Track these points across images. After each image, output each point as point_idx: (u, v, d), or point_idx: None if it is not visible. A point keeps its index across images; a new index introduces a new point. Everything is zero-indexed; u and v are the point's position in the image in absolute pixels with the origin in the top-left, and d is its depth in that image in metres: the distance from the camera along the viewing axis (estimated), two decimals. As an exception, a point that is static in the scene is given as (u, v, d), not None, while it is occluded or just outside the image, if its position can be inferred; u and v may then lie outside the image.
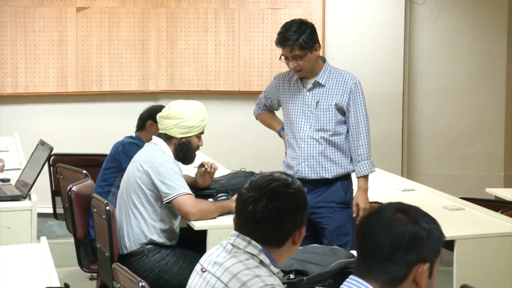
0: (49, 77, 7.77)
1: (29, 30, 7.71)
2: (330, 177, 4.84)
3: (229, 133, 8.13)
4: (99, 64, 7.88)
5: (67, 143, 7.33)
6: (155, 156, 4.54)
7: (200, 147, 4.71)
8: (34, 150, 5.13)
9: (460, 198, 5.32)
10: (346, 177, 4.92)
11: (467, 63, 8.21)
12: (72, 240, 5.08)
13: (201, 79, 8.03)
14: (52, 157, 5.99)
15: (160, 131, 4.67)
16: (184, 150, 4.64)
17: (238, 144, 8.12)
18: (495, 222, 4.71)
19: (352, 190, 4.92)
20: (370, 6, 8.07)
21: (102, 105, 7.96)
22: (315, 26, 4.95)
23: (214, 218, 4.53)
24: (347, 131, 4.84)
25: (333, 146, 4.83)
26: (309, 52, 4.76)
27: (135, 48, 7.94)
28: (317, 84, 4.84)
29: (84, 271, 5.09)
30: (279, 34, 4.82)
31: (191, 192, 4.49)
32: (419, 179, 7.37)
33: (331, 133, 4.81)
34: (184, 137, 4.61)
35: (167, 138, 4.62)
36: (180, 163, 4.68)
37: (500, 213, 4.89)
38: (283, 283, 2.87)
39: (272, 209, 2.53)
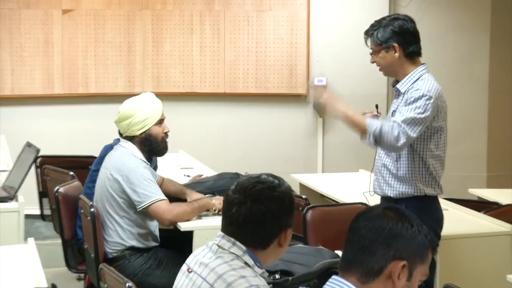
0: (35, 79, 7.78)
1: (15, 32, 7.72)
2: (392, 195, 4.19)
3: (215, 134, 8.16)
4: (85, 66, 7.89)
5: (54, 145, 7.33)
6: (124, 163, 4.49)
7: (167, 133, 4.65)
8: (21, 152, 5.12)
9: (443, 198, 5.35)
10: (418, 199, 4.17)
11: (450, 64, 8.27)
12: (59, 241, 5.09)
13: (186, 81, 8.05)
14: (39, 159, 5.98)
15: (122, 136, 4.65)
16: (148, 144, 4.59)
17: (223, 146, 8.15)
18: (478, 222, 4.77)
19: (430, 213, 4.16)
20: (354, 8, 8.11)
21: (88, 107, 7.97)
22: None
23: (200, 218, 4.53)
24: (423, 149, 4.17)
25: (400, 161, 4.20)
26: (384, 50, 4.23)
27: (121, 50, 7.96)
28: (398, 92, 4.29)
29: (72, 271, 5.11)
30: None
31: (164, 198, 4.44)
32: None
33: None
34: (143, 132, 4.57)
35: (130, 139, 4.59)
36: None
37: (483, 213, 4.93)
38: (269, 283, 2.90)
39: (256, 211, 2.55)
